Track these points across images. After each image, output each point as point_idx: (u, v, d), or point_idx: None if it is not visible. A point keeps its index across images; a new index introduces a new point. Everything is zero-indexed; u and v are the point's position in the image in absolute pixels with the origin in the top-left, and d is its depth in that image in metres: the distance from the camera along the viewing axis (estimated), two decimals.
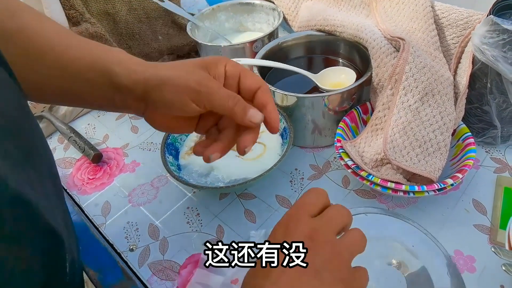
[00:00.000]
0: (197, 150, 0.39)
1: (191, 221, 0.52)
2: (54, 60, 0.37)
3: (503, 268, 0.35)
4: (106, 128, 0.70)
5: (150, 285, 0.45)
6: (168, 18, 0.81)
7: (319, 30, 0.63)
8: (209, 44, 0.67)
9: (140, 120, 0.70)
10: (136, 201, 0.56)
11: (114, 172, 0.61)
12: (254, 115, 0.36)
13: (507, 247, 0.38)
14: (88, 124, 0.71)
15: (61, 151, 0.67)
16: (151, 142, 0.65)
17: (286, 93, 0.54)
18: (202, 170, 0.53)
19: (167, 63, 0.38)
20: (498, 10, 0.50)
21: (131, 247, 0.50)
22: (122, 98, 0.37)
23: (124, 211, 0.55)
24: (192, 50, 0.81)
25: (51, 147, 0.68)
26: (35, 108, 0.70)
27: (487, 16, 0.48)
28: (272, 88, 0.55)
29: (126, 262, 0.48)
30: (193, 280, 0.45)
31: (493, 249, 0.36)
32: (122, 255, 0.49)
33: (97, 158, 0.62)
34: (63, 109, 0.71)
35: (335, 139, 0.52)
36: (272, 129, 0.38)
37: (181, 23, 0.81)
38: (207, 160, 0.38)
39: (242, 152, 0.37)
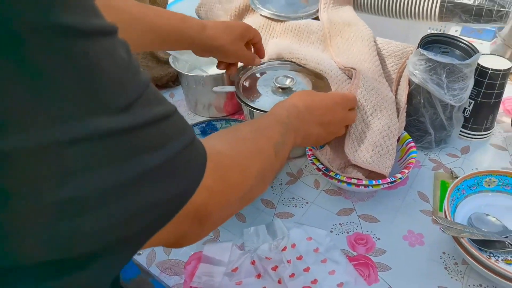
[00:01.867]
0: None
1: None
2: (147, 27, 0.57)
3: (441, 229, 0.47)
4: None
5: (161, 279, 0.52)
6: (147, 52, 0.89)
7: (287, 60, 0.75)
8: (191, 74, 0.76)
9: None
10: None
11: None
12: (257, 62, 0.73)
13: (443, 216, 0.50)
14: None
15: None
16: None
17: (263, 112, 0.65)
18: None
19: (226, 32, 0.65)
20: (424, 44, 0.65)
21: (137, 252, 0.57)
22: (189, 45, 0.64)
23: None
24: (170, 79, 0.90)
25: None
26: None
27: (417, 48, 0.62)
28: (253, 108, 0.65)
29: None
30: (198, 272, 0.53)
31: (434, 218, 0.48)
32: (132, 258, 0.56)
33: None
34: None
35: (307, 149, 0.63)
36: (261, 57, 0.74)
37: (159, 56, 0.90)
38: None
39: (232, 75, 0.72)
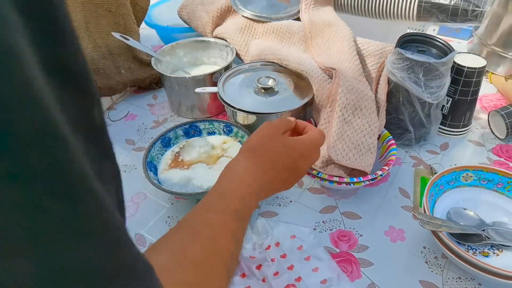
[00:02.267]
0: None
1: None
2: None
3: (420, 224, 0.48)
4: None
5: None
6: (130, 54, 0.89)
7: (269, 61, 0.75)
8: (173, 76, 0.76)
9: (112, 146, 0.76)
10: None
11: None
12: None
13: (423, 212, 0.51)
14: None
15: None
16: (125, 165, 0.72)
17: (247, 113, 0.65)
18: (182, 181, 0.61)
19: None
20: (402, 43, 0.67)
21: None
22: None
23: None
24: (153, 81, 0.90)
25: None
26: None
27: (395, 48, 0.64)
28: (235, 109, 0.65)
29: None
30: None
31: (414, 213, 0.49)
32: None
33: None
34: None
35: None
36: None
37: (142, 58, 0.90)
38: None
39: None
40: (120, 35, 0.79)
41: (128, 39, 0.81)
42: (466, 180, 0.58)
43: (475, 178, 0.58)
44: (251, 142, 0.46)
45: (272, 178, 0.44)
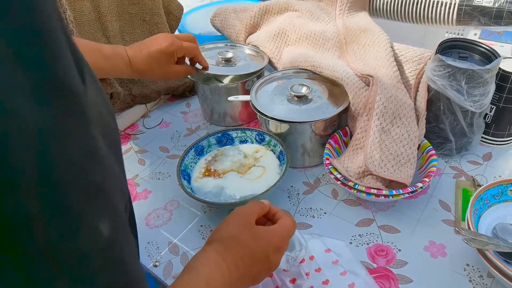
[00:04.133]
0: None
1: (206, 236, 0.60)
2: (97, 53, 0.62)
3: (465, 241, 0.45)
4: None
5: None
6: None
7: (302, 69, 0.74)
8: (206, 84, 0.77)
9: (147, 153, 0.77)
10: (153, 223, 0.63)
11: None
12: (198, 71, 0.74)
13: (466, 227, 0.49)
14: None
15: None
16: (159, 172, 0.73)
17: (279, 122, 0.64)
18: (215, 190, 0.61)
19: (144, 53, 0.65)
20: (442, 50, 0.64)
21: (154, 264, 0.57)
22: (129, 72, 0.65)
23: (143, 233, 0.62)
24: (186, 89, 0.91)
25: None
26: None
27: (435, 54, 0.61)
28: (268, 117, 0.65)
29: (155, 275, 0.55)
30: None
31: (457, 229, 0.46)
32: (149, 270, 0.56)
33: None
34: None
35: (324, 158, 0.62)
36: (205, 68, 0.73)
37: None
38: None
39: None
40: None
41: None
42: None
43: None
44: (221, 232, 0.44)
45: (243, 274, 0.41)
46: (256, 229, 0.44)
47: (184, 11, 0.98)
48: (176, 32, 0.98)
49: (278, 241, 0.44)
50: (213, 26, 0.94)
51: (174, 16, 0.92)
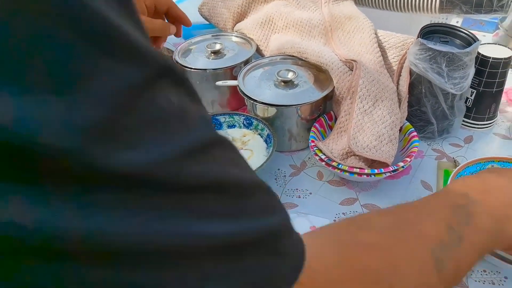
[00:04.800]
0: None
1: None
2: None
3: None
4: None
5: None
6: None
7: (288, 55, 0.76)
8: (194, 70, 0.77)
9: None
10: None
11: None
12: (173, 30, 0.74)
13: None
14: None
15: None
16: None
17: (266, 106, 0.66)
18: None
19: None
20: (424, 34, 0.66)
21: None
22: None
23: None
24: None
25: None
26: None
27: (417, 38, 0.63)
28: (255, 101, 0.66)
29: None
30: None
31: None
32: None
33: None
34: None
35: (310, 140, 0.63)
36: (186, 24, 0.74)
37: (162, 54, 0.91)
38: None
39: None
40: None
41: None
42: None
43: None
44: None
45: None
46: None
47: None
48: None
49: None
50: (201, 15, 0.95)
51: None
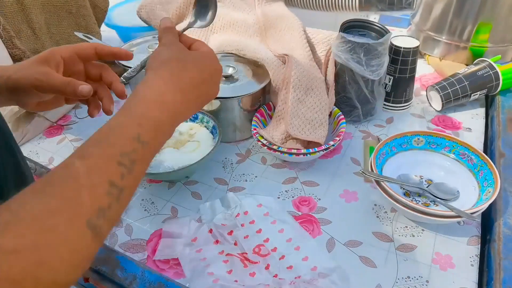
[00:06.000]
0: (91, 113, 0.55)
1: (148, 209, 0.64)
2: None
3: (361, 171, 0.56)
4: (49, 152, 0.78)
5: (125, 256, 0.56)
6: None
7: (228, 53, 0.81)
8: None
9: (82, 140, 0.79)
10: None
11: None
12: (82, 89, 0.47)
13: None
14: (30, 151, 0.78)
15: None
16: None
17: None
18: (154, 164, 0.65)
19: (17, 64, 0.49)
20: (345, 29, 0.74)
21: None
22: None
23: None
24: None
25: None
26: None
27: (338, 33, 0.71)
28: None
29: None
30: (160, 246, 0.57)
31: (361, 171, 0.56)
32: None
33: None
34: None
35: (252, 128, 0.69)
36: (120, 96, 0.53)
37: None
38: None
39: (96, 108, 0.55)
40: (83, 35, 0.82)
41: (91, 38, 0.83)
42: (418, 144, 0.66)
43: (426, 142, 0.66)
44: (160, 55, 0.40)
45: (189, 99, 0.39)
46: (195, 52, 0.43)
47: (110, 4, 1.00)
48: (103, 26, 0.99)
49: (216, 62, 0.44)
50: (140, 18, 0.97)
51: (100, 9, 0.94)
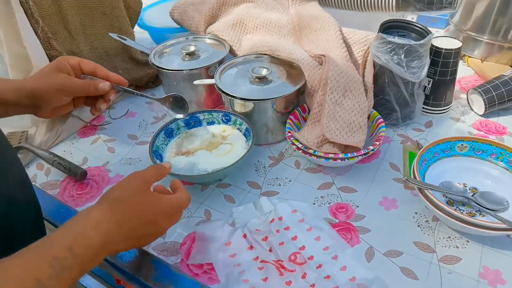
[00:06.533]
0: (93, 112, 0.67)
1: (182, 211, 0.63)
2: None
3: (404, 178, 0.53)
4: (83, 152, 0.78)
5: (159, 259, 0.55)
6: (126, 54, 0.93)
7: (261, 53, 0.80)
8: (170, 71, 0.80)
9: (115, 141, 0.79)
10: None
11: (102, 185, 0.70)
12: (104, 85, 0.62)
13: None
14: (64, 151, 0.79)
15: (42, 176, 0.73)
16: (130, 158, 0.75)
17: (243, 101, 0.69)
18: (187, 167, 0.64)
19: (35, 74, 0.61)
20: (384, 29, 0.72)
21: None
22: (13, 109, 0.59)
23: None
24: (150, 80, 0.93)
25: (31, 174, 0.73)
26: (11, 139, 0.76)
27: (378, 33, 0.69)
28: (233, 97, 0.69)
29: None
30: (193, 251, 0.56)
31: (404, 178, 0.53)
32: None
33: (83, 176, 0.71)
34: (38, 139, 0.78)
35: (286, 131, 0.68)
36: (122, 83, 0.65)
37: (138, 58, 0.93)
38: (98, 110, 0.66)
39: (97, 110, 0.65)
40: (117, 36, 0.83)
41: (125, 39, 0.84)
42: (462, 150, 0.62)
43: (470, 148, 0.62)
44: (113, 192, 0.45)
45: (127, 234, 0.43)
46: (151, 194, 0.46)
47: (143, 5, 1.01)
48: (136, 27, 1.00)
49: (170, 209, 0.47)
50: (172, 19, 0.97)
51: (133, 10, 0.95)
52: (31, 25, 0.69)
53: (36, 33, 0.70)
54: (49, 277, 0.34)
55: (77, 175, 0.70)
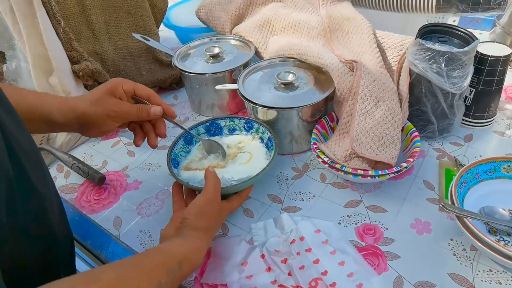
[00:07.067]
0: (136, 143, 0.63)
1: None
2: None
3: (441, 205, 0.48)
4: (103, 155, 0.77)
5: None
6: (150, 55, 0.91)
7: (288, 57, 0.75)
8: (193, 74, 0.77)
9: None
10: (145, 212, 0.63)
11: (119, 191, 0.68)
12: (155, 110, 0.59)
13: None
14: (85, 153, 0.78)
15: (62, 179, 0.73)
16: (149, 163, 0.73)
17: (267, 108, 0.65)
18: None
19: (87, 97, 0.57)
20: (422, 34, 0.66)
21: None
22: (60, 128, 0.58)
23: (135, 222, 0.62)
24: (173, 82, 0.91)
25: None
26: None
27: (415, 39, 0.63)
28: (256, 105, 0.66)
29: None
30: (208, 268, 0.53)
31: (441, 205, 0.48)
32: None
33: (101, 180, 0.69)
34: (59, 140, 0.77)
35: (312, 142, 0.63)
36: (171, 115, 0.62)
37: (162, 59, 0.91)
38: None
39: (161, 135, 0.63)
40: (141, 36, 0.81)
41: (149, 40, 0.82)
42: (508, 172, 0.56)
43: None
44: (203, 220, 0.51)
45: (207, 244, 0.51)
46: (223, 214, 0.56)
47: (169, 4, 0.98)
48: (161, 27, 0.98)
49: (226, 215, 0.57)
50: (198, 19, 0.95)
51: (158, 9, 0.92)
52: (52, 26, 0.67)
53: (57, 34, 0.68)
54: (166, 282, 0.42)
55: (95, 180, 0.69)
